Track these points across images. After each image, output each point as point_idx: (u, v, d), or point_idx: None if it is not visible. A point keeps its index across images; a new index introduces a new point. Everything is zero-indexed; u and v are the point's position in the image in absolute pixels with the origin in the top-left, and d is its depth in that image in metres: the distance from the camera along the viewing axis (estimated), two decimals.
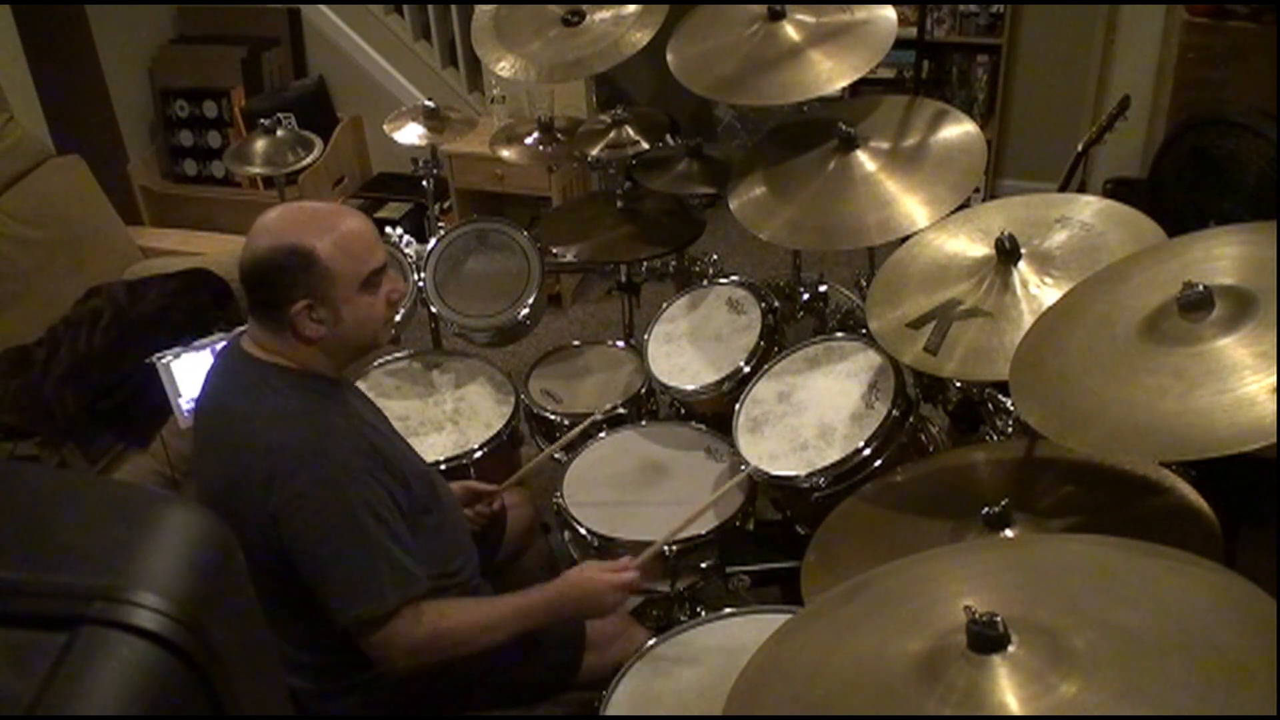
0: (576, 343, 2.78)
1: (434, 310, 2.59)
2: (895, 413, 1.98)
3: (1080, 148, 2.61)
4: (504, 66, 2.61)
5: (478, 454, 2.33)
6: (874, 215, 2.11)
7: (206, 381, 1.80)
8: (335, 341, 1.70)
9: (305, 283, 1.63)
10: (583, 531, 2.09)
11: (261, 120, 2.89)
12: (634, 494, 2.20)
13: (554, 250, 2.67)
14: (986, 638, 1.04)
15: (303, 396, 1.69)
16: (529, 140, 2.86)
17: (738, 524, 2.10)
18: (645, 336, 2.46)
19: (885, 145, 2.23)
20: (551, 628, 1.87)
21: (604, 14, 2.59)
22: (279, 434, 1.64)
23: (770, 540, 2.17)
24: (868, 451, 1.96)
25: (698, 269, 2.77)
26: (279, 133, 2.87)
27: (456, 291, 2.60)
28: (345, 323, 1.68)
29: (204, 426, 1.78)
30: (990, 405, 2.08)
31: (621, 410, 2.44)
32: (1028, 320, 1.69)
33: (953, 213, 2.04)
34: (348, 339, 1.72)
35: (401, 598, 1.65)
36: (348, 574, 1.63)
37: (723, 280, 2.50)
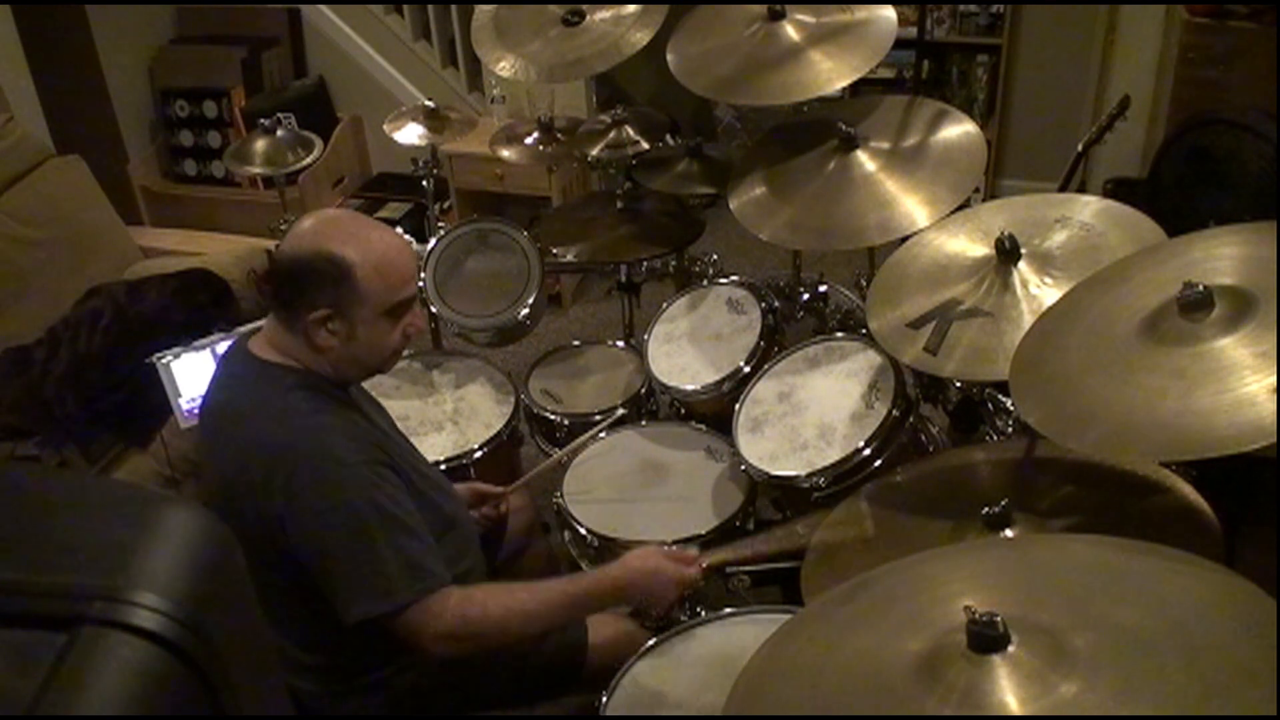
0: (576, 343, 2.78)
1: (434, 310, 2.59)
2: (895, 413, 1.98)
3: (1080, 148, 2.61)
4: (504, 66, 2.61)
5: (478, 454, 2.33)
6: (874, 215, 2.11)
7: (212, 382, 1.80)
8: (343, 356, 1.70)
9: (332, 294, 1.63)
10: (582, 531, 2.09)
11: (261, 120, 2.89)
12: (634, 494, 2.20)
13: (554, 250, 2.67)
14: (986, 638, 1.04)
15: (308, 398, 1.68)
16: (529, 140, 2.86)
17: (738, 524, 2.10)
18: (645, 336, 2.46)
19: (885, 145, 2.23)
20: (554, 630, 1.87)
21: (604, 14, 2.59)
22: (282, 433, 1.64)
23: None
24: (868, 451, 1.96)
25: (698, 269, 2.77)
26: (279, 133, 2.87)
27: (456, 291, 2.60)
28: (358, 342, 1.68)
29: (209, 426, 1.78)
30: (990, 405, 2.08)
31: (621, 410, 2.44)
32: (1028, 320, 1.69)
33: (953, 213, 2.04)
34: (356, 358, 1.72)
35: (416, 593, 1.61)
36: (351, 573, 1.61)
37: (723, 280, 2.50)
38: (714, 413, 2.32)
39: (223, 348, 2.37)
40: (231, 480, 1.67)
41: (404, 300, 1.70)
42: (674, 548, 1.86)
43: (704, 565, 1.80)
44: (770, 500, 2.26)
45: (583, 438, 2.29)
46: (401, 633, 1.63)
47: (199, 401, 2.36)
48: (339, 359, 1.70)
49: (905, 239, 2.06)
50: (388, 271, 1.66)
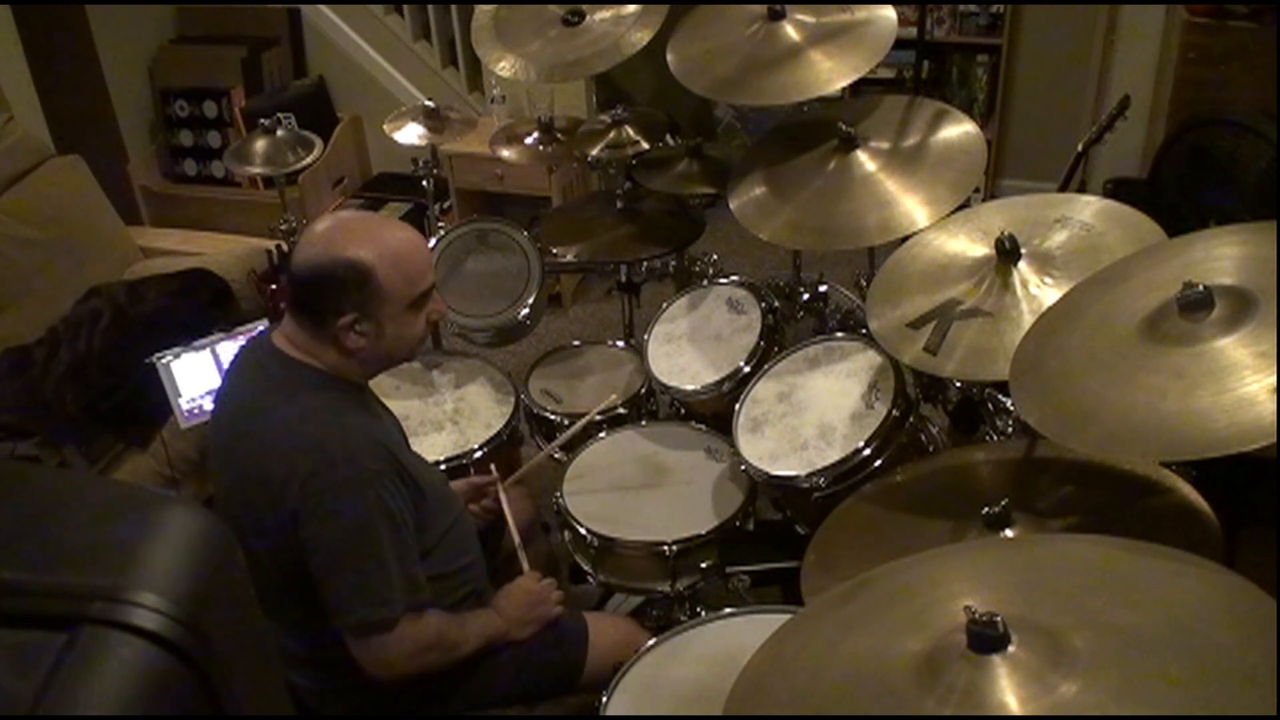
0: (576, 343, 2.78)
1: None
2: (895, 413, 1.98)
3: (1080, 148, 2.61)
4: (504, 66, 2.61)
5: (478, 454, 2.33)
6: (874, 215, 2.11)
7: (231, 372, 1.81)
8: (372, 354, 1.72)
9: (357, 298, 1.64)
10: (582, 531, 2.09)
11: (261, 120, 2.89)
12: (634, 494, 2.20)
13: (554, 250, 2.67)
14: (986, 638, 1.04)
15: (331, 399, 1.70)
16: (529, 140, 2.86)
17: (738, 524, 2.10)
18: (645, 336, 2.46)
19: (885, 145, 2.23)
20: (556, 629, 1.91)
21: (604, 14, 2.58)
22: (306, 433, 1.65)
23: (770, 540, 2.17)
24: (868, 451, 1.95)
25: (698, 269, 2.77)
26: (279, 133, 2.87)
27: (456, 291, 2.59)
28: (387, 338, 1.70)
29: (228, 419, 1.78)
30: (990, 405, 2.08)
31: (621, 410, 2.44)
32: (1028, 320, 1.69)
33: (953, 213, 2.04)
34: (385, 353, 1.75)
35: (407, 605, 1.67)
36: (359, 577, 1.65)
37: (723, 280, 2.50)
38: (714, 413, 2.32)
39: (223, 347, 2.37)
40: (250, 474, 1.68)
41: (425, 290, 1.72)
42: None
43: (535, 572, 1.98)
44: (770, 500, 2.26)
45: (574, 428, 2.29)
46: (378, 643, 1.68)
47: (200, 400, 2.37)
48: (369, 357, 1.73)
49: (905, 239, 2.06)
50: (406, 266, 1.67)
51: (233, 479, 1.75)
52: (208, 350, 2.38)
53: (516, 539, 2.04)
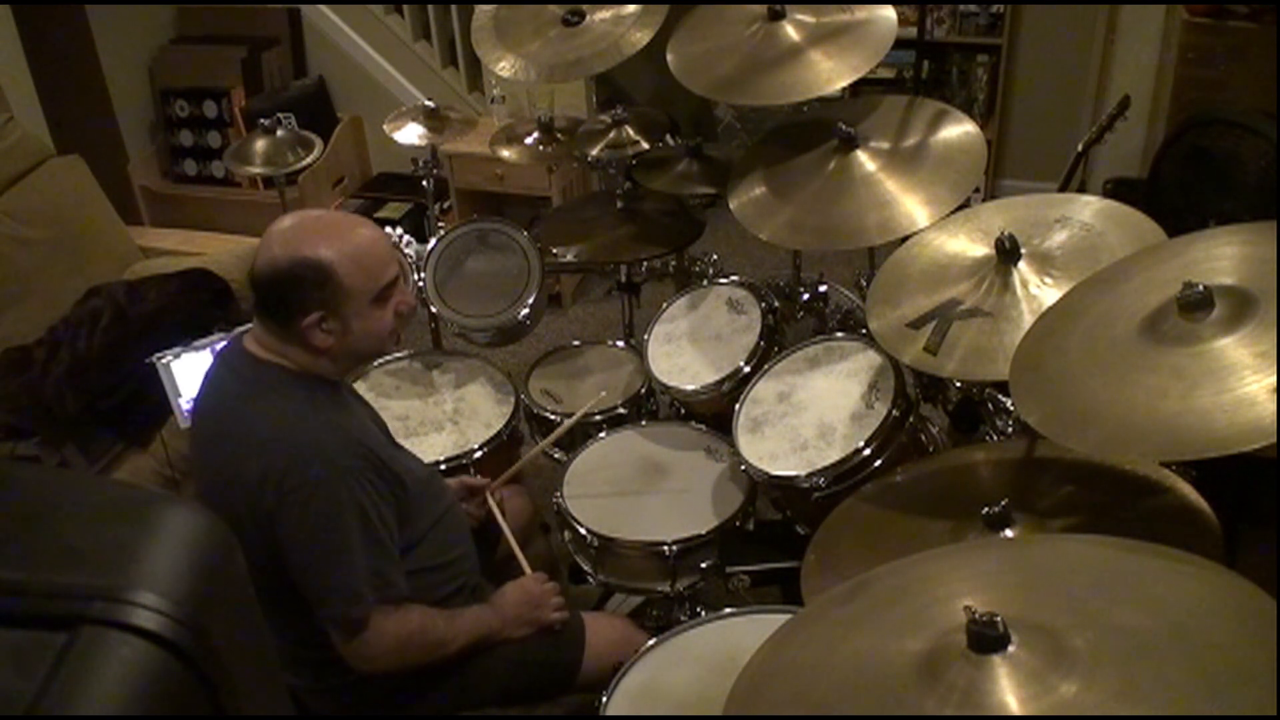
0: (576, 343, 2.78)
1: (434, 310, 2.59)
2: (895, 413, 1.98)
3: (1080, 148, 2.61)
4: (504, 66, 2.61)
5: (478, 454, 2.33)
6: (874, 215, 2.11)
7: (206, 379, 1.81)
8: (341, 350, 1.72)
9: (319, 296, 1.65)
10: (582, 531, 2.09)
11: (261, 120, 2.89)
12: (634, 494, 2.20)
13: (554, 250, 2.67)
14: (986, 638, 1.04)
15: (302, 397, 1.70)
16: (529, 140, 2.86)
17: (738, 524, 2.10)
18: (645, 336, 2.46)
19: (885, 145, 2.23)
20: (552, 630, 1.90)
21: (604, 14, 2.58)
22: (277, 432, 1.66)
23: (770, 540, 2.17)
24: (868, 451, 1.95)
25: (698, 269, 2.77)
26: (279, 133, 2.87)
27: (456, 291, 2.59)
28: (354, 334, 1.70)
29: (203, 423, 1.79)
30: (990, 405, 2.07)
31: (621, 410, 2.44)
32: (1028, 320, 1.69)
33: (953, 213, 2.04)
34: (355, 349, 1.74)
35: (378, 600, 1.68)
36: (331, 573, 1.66)
37: (723, 280, 2.50)
38: (714, 413, 2.32)
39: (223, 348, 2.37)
40: (226, 476, 1.68)
41: (388, 284, 1.72)
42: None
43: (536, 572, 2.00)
44: (770, 500, 2.26)
45: (565, 425, 2.29)
46: (355, 638, 1.69)
47: None
48: (338, 354, 1.73)
49: (905, 239, 2.06)
50: (366, 260, 1.67)
51: (211, 483, 1.75)
52: (208, 350, 2.38)
53: (513, 544, 2.04)
